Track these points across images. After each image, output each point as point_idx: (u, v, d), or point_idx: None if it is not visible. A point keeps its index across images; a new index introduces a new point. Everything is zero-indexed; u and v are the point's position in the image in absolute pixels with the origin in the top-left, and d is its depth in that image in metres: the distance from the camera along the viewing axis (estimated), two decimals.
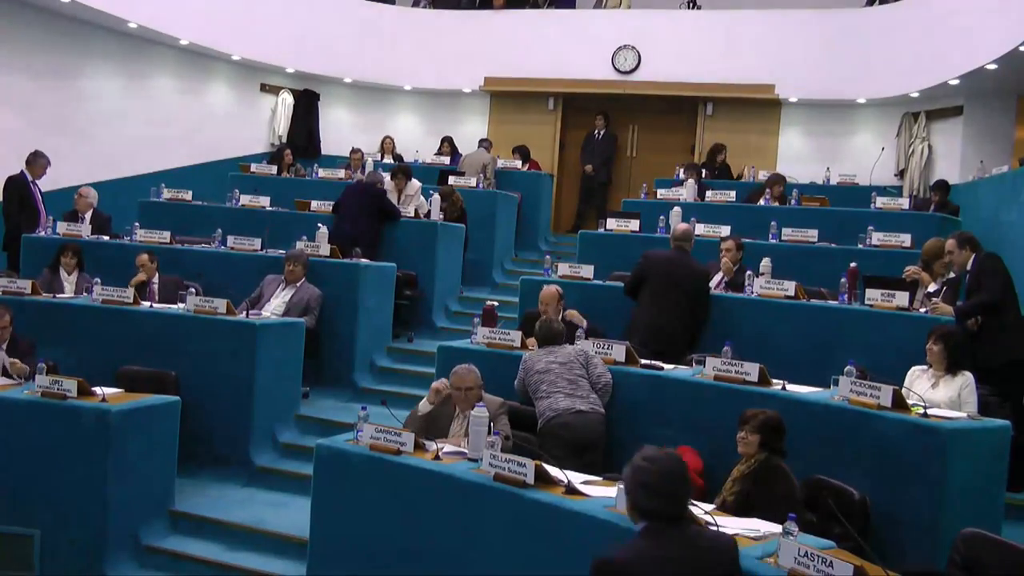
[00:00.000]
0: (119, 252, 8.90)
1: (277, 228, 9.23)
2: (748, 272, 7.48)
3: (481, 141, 12.74)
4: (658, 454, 3.44)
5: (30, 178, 9.75)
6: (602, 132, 13.46)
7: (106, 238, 9.30)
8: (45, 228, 9.28)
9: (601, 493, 4.41)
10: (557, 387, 5.80)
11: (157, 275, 8.31)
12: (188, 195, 10.42)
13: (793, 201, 9.91)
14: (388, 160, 12.75)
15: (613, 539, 4.08)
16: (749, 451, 4.73)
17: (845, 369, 5.31)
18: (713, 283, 7.77)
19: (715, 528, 3.69)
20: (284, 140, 14.24)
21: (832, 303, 7.02)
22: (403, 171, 10.50)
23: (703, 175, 11.55)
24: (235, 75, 14.02)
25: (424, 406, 5.62)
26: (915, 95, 12.14)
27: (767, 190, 10.14)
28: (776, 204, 9.99)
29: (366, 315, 8.39)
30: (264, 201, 10.10)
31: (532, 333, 6.76)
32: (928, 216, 9.59)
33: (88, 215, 9.61)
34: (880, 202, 9.32)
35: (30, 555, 5.27)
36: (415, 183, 10.43)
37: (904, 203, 9.46)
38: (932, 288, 6.95)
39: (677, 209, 9.17)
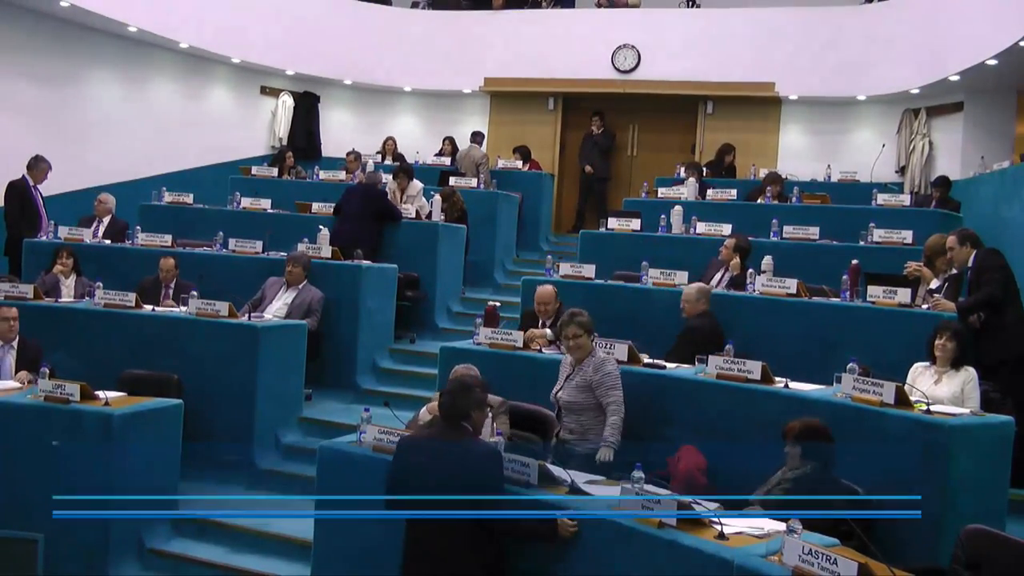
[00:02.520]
0: (120, 256, 8.92)
1: (278, 230, 9.23)
2: (750, 270, 7.48)
3: (473, 135, 12.72)
4: (457, 377, 4.89)
5: (31, 183, 9.75)
6: (599, 131, 13.45)
7: (108, 241, 9.31)
8: (47, 233, 9.28)
9: (605, 493, 4.41)
10: None
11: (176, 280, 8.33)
12: (189, 198, 10.43)
13: (794, 199, 9.89)
14: (389, 161, 12.75)
15: (617, 538, 4.09)
16: (793, 463, 4.67)
17: (847, 366, 5.30)
18: (715, 281, 7.78)
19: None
20: (284, 142, 14.25)
21: (834, 300, 7.01)
22: (404, 171, 10.51)
23: (704, 174, 11.55)
24: (235, 78, 14.03)
25: (424, 415, 5.56)
26: (915, 91, 12.12)
27: (767, 189, 10.14)
28: (768, 200, 9.97)
29: (368, 317, 8.39)
30: (265, 203, 10.11)
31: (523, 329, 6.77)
32: (929, 212, 9.59)
33: (107, 220, 9.63)
34: (881, 199, 9.31)
35: (34, 559, 5.26)
36: (417, 183, 10.43)
37: (905, 200, 9.44)
38: (934, 284, 6.95)
39: (678, 208, 9.17)
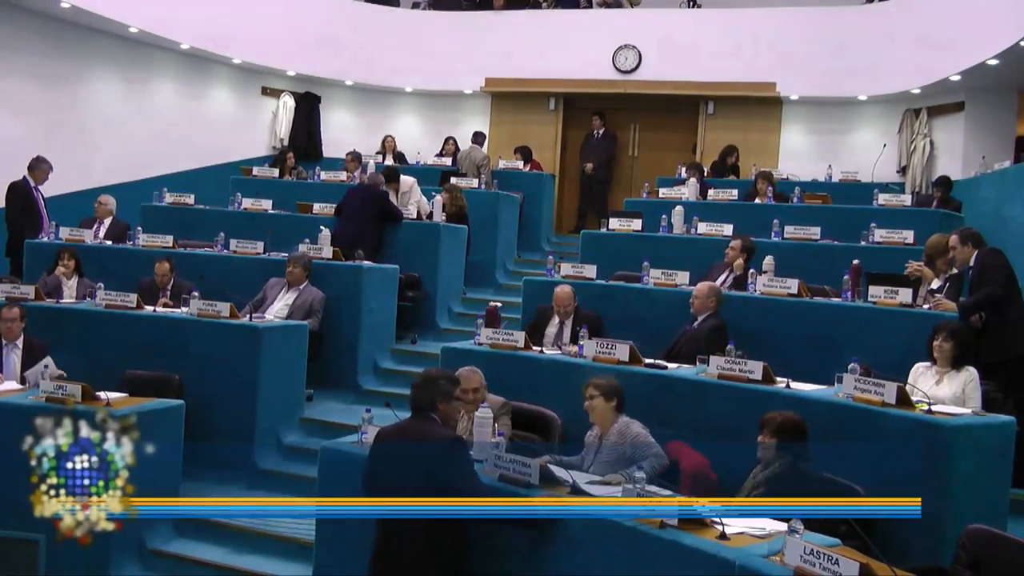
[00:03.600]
0: (122, 257, 8.92)
1: (279, 231, 9.23)
2: (751, 270, 7.49)
3: (474, 136, 12.71)
4: (421, 374, 4.79)
5: (32, 184, 9.75)
6: (600, 132, 13.45)
7: (109, 243, 9.32)
8: (48, 234, 9.28)
9: (606, 492, 4.42)
10: None
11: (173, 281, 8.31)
12: (190, 199, 10.42)
13: (795, 199, 9.89)
14: (389, 160, 12.75)
15: (618, 538, 4.09)
16: (767, 456, 4.67)
17: (849, 366, 5.31)
18: (718, 282, 7.79)
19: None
20: (286, 143, 14.26)
21: (835, 300, 7.02)
22: (387, 174, 10.21)
23: (705, 174, 11.55)
24: (236, 79, 14.04)
25: None
26: (916, 91, 12.13)
27: (757, 186, 10.14)
28: (769, 201, 9.95)
29: (369, 317, 8.39)
30: (266, 204, 10.11)
31: (536, 325, 6.83)
32: (930, 212, 9.59)
33: (108, 221, 9.63)
34: (882, 199, 9.30)
35: (35, 560, 5.27)
36: (407, 179, 10.38)
37: (906, 200, 9.44)
38: (935, 284, 6.95)
39: (679, 208, 9.17)
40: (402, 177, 10.36)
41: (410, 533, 4.31)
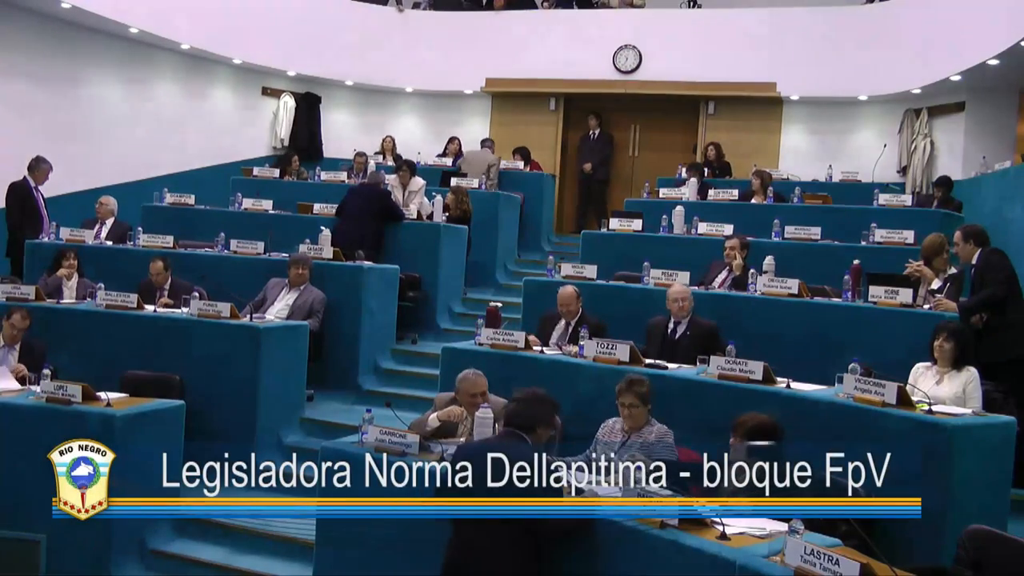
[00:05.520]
0: (122, 257, 8.92)
1: (280, 231, 9.23)
2: (751, 270, 7.48)
3: (484, 141, 12.74)
4: (524, 390, 4.64)
5: (33, 184, 9.75)
6: (597, 132, 13.46)
7: (109, 243, 9.32)
8: (48, 234, 9.28)
9: (607, 493, 4.42)
10: None
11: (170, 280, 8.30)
12: (191, 199, 10.43)
13: (796, 199, 9.90)
14: (390, 161, 12.75)
15: (618, 538, 4.10)
16: (737, 458, 4.66)
17: (849, 367, 5.30)
18: (718, 282, 7.79)
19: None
20: (286, 143, 14.27)
21: (836, 301, 7.02)
22: (408, 165, 10.49)
23: (705, 174, 11.56)
24: (236, 79, 14.04)
25: (434, 421, 5.49)
26: (917, 91, 12.13)
27: (752, 185, 10.14)
28: (769, 200, 9.95)
29: (370, 317, 8.40)
30: (267, 204, 10.12)
31: (541, 333, 6.81)
32: (931, 212, 9.59)
33: (109, 222, 9.63)
34: (883, 199, 9.31)
35: (36, 560, 5.28)
36: (419, 180, 10.44)
37: (907, 200, 9.45)
38: (935, 284, 6.95)
39: (680, 208, 9.17)
40: (416, 176, 10.40)
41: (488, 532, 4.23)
